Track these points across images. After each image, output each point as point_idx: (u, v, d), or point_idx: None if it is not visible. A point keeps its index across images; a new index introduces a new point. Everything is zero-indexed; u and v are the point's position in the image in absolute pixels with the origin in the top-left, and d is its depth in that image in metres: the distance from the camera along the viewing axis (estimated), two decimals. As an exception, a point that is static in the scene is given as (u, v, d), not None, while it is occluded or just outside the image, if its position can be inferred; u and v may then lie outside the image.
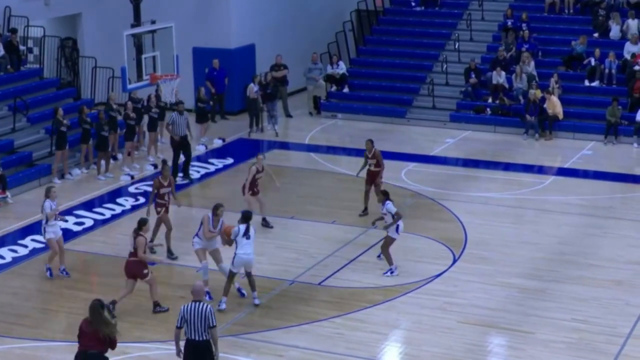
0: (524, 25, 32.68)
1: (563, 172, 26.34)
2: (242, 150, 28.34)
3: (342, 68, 33.19)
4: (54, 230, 18.83)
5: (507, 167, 26.69)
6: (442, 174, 25.76)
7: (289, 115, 32.26)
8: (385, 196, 18.96)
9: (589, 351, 15.72)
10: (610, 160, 27.10)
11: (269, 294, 17.99)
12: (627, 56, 30.72)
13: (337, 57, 33.50)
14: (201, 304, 13.29)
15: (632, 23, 31.90)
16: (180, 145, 25.18)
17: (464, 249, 20.29)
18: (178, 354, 13.58)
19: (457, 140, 29.36)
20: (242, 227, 17.07)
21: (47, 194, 18.91)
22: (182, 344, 13.48)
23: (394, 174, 25.48)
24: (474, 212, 22.46)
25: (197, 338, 13.19)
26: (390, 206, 18.68)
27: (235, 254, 17.02)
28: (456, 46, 33.27)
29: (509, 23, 33.04)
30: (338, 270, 18.92)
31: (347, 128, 31.09)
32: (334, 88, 33.26)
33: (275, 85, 30.76)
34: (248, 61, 32.49)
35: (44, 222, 18.83)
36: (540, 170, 26.50)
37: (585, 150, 28.17)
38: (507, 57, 31.56)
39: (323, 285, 18.40)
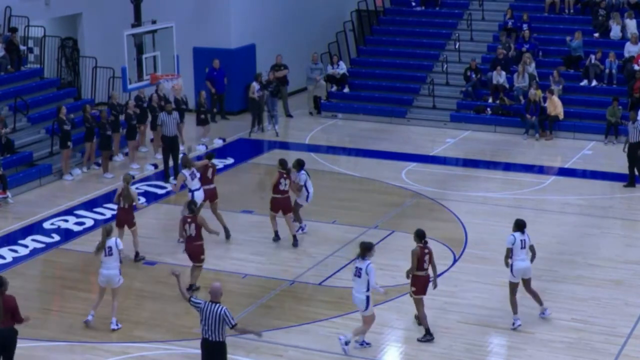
0: (524, 25, 32.71)
1: (563, 172, 26.37)
2: (242, 150, 28.39)
3: (342, 68, 33.22)
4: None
5: (507, 167, 26.72)
6: (442, 174, 25.79)
7: (289, 115, 32.30)
8: (300, 166, 20.46)
9: (589, 351, 15.75)
10: (610, 160, 27.11)
11: (270, 294, 18.03)
12: (627, 56, 30.75)
13: (337, 57, 33.54)
14: (217, 305, 13.43)
15: (630, 23, 31.93)
16: (170, 146, 25.02)
17: (464, 249, 20.32)
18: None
19: (457, 140, 29.39)
20: (517, 234, 16.57)
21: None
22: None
23: (394, 174, 25.53)
24: (473, 212, 22.49)
25: (211, 338, 13.42)
26: (302, 176, 20.28)
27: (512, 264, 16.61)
28: (456, 46, 33.29)
29: (510, 23, 33.07)
30: (338, 271, 18.95)
31: (347, 128, 31.13)
32: (334, 88, 33.30)
33: (276, 85, 30.79)
34: (248, 61, 32.52)
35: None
36: (540, 170, 26.53)
37: (586, 150, 28.21)
38: (508, 56, 31.56)
39: (323, 285, 18.43)
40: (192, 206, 18.14)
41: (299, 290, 18.31)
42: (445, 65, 32.50)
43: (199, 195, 20.38)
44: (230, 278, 18.71)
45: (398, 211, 22.65)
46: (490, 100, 31.02)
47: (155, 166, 26.37)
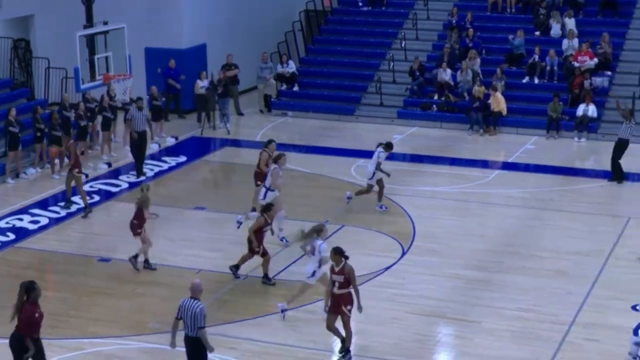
0: (468, 24, 32.94)
1: (507, 166, 26.59)
2: (194, 148, 28.28)
3: (291, 67, 33.23)
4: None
5: (453, 161, 26.87)
6: (390, 169, 25.79)
7: (240, 114, 32.23)
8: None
9: (534, 339, 15.90)
10: (552, 154, 27.41)
11: (224, 288, 17.98)
12: (567, 53, 31.09)
13: (286, 56, 33.53)
14: (194, 301, 13.36)
15: (569, 21, 32.27)
16: (138, 141, 25.06)
17: (412, 242, 20.41)
18: (172, 345, 13.70)
19: (405, 136, 29.51)
20: None
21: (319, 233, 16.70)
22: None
23: (344, 170, 25.60)
24: (421, 206, 22.60)
25: (189, 334, 13.40)
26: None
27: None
28: (402, 45, 33.44)
29: (454, 22, 33.28)
30: (291, 264, 18.94)
31: (297, 125, 31.13)
32: (284, 86, 33.28)
33: (227, 84, 30.73)
34: (199, 61, 32.37)
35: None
36: (485, 164, 26.73)
37: (528, 145, 28.47)
38: (452, 53, 31.77)
39: (276, 279, 18.40)
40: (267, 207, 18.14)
41: (253, 284, 18.27)
42: (392, 64, 32.63)
43: None
44: (185, 273, 18.60)
45: (348, 206, 22.68)
46: (435, 97, 31.20)
47: (109, 165, 26.19)
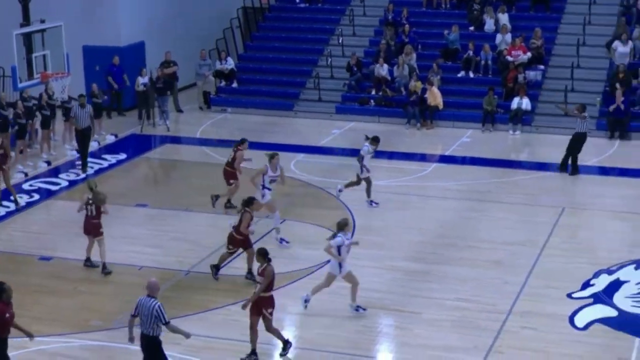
0: (404, 19, 33.12)
1: (444, 159, 26.84)
2: (134, 146, 28.09)
3: (230, 64, 33.14)
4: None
5: (391, 155, 27.01)
6: (329, 164, 25.97)
7: (179, 110, 32.09)
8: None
9: (473, 328, 16.08)
10: (487, 147, 27.71)
11: (166, 285, 17.86)
12: (501, 48, 31.43)
13: (225, 53, 33.42)
14: (151, 300, 13.33)
15: (502, 16, 32.64)
16: (82, 137, 24.98)
17: (352, 235, 20.45)
18: (130, 340, 13.74)
19: (343, 131, 29.62)
20: None
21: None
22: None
23: (284, 165, 25.33)
24: (360, 200, 22.69)
25: (145, 332, 13.39)
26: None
27: None
28: (340, 41, 33.54)
29: (390, 18, 33.45)
30: (232, 259, 18.92)
31: (237, 122, 31.06)
32: (223, 83, 33.19)
33: (166, 81, 30.56)
34: (138, 58, 32.14)
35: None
36: (422, 158, 26.94)
37: (464, 138, 28.75)
38: (389, 49, 31.95)
39: (218, 274, 18.36)
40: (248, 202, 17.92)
41: (194, 280, 18.23)
42: (330, 60, 32.72)
43: None
44: (127, 270, 18.51)
45: (288, 200, 22.71)
46: (373, 92, 31.36)
47: (49, 163, 25.92)
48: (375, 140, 22.36)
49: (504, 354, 15.24)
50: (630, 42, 30.28)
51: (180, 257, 19.31)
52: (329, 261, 16.81)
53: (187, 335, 13.67)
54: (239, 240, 17.77)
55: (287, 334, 16.08)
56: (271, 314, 14.83)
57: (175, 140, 28.99)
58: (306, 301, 16.71)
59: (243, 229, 17.65)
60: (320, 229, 20.73)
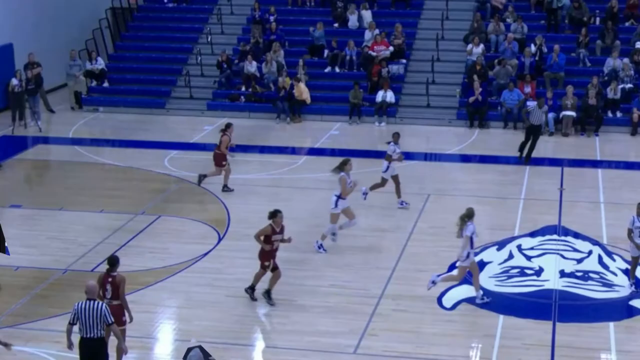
0: (271, 17, 33.20)
1: (314, 151, 27.05)
2: (6, 147, 27.37)
3: (100, 63, 32.63)
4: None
5: (263, 149, 27.10)
6: (202, 160, 25.80)
7: (51, 111, 31.42)
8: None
9: (347, 312, 16.28)
10: (355, 139, 28.06)
11: (44, 284, 17.53)
12: (368, 44, 31.82)
13: (95, 53, 32.87)
14: (95, 302, 12.88)
15: (365, 13, 33.06)
16: None
17: (227, 228, 20.48)
18: (69, 347, 13.10)
19: (215, 127, 29.50)
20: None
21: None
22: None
23: (158, 162, 25.38)
24: (234, 193, 22.68)
25: (91, 336, 12.83)
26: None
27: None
28: (209, 39, 33.40)
29: (257, 16, 33.48)
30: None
31: (109, 121, 30.64)
32: (94, 83, 32.64)
33: (36, 82, 29.87)
34: (6, 61, 31.26)
35: None
36: (293, 151, 27.09)
37: (333, 131, 29.04)
38: (255, 47, 31.98)
39: (96, 271, 18.01)
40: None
41: (72, 278, 17.87)
42: (200, 58, 32.55)
43: None
44: (3, 272, 18.01)
45: (163, 197, 22.54)
46: (243, 89, 31.35)
47: None
48: (394, 135, 21.86)
49: (377, 336, 15.49)
50: (481, 45, 30.91)
51: (56, 256, 18.92)
52: (205, 254, 16.68)
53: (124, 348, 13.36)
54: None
55: (166, 327, 16.02)
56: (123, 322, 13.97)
57: (48, 140, 28.38)
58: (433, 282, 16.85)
59: (255, 237, 16.72)
60: (196, 223, 20.65)
